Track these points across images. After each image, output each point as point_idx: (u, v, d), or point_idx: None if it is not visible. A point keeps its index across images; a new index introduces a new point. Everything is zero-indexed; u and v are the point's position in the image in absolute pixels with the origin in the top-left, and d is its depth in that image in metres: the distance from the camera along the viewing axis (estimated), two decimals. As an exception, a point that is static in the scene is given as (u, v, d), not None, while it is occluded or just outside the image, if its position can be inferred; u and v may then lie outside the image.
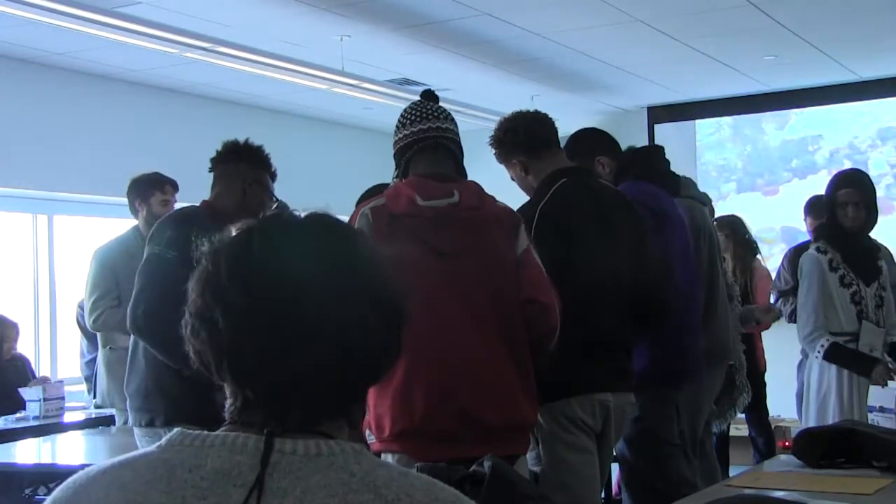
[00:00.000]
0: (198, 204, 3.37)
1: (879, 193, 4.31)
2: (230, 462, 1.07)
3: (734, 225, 5.81)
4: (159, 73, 7.29)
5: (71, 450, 4.55)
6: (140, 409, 3.20)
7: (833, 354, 3.95)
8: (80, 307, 4.98)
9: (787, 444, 5.90)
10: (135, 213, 4.80)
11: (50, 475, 4.12)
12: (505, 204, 2.81)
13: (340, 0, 5.74)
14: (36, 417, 5.00)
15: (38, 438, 4.65)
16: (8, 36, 6.21)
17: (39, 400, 5.04)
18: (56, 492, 1.13)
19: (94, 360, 5.05)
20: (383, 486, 1.06)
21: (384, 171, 3.67)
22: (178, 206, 4.27)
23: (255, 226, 1.16)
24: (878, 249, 4.20)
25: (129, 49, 6.16)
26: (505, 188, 3.26)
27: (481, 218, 2.71)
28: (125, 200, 4.85)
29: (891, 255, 4.62)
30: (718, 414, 4.41)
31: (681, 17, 6.35)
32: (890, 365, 3.93)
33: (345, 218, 2.43)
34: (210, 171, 3.40)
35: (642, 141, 4.96)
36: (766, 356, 5.88)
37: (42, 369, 6.93)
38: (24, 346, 5.86)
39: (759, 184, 9.08)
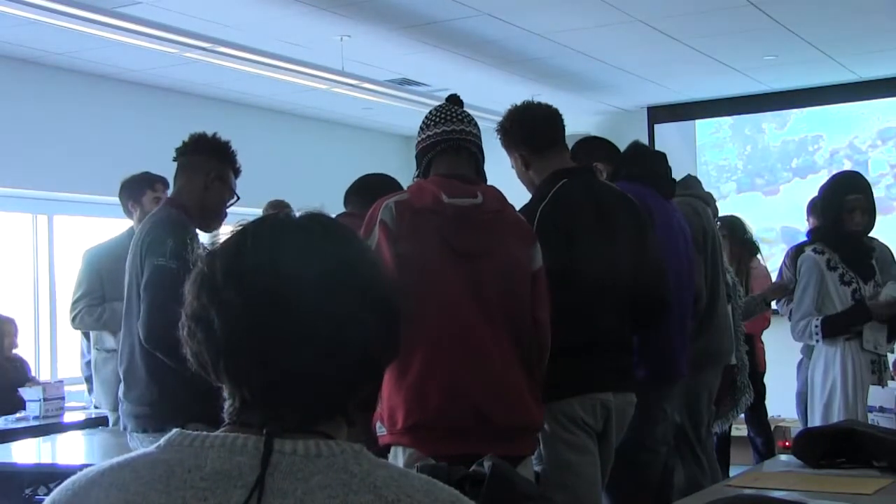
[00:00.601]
0: (167, 205, 3.36)
1: (879, 193, 4.33)
2: (230, 463, 1.07)
3: (733, 225, 5.81)
4: (159, 73, 7.29)
5: (71, 450, 4.55)
6: (145, 417, 3.19)
7: (831, 328, 3.99)
8: (81, 307, 4.98)
9: (787, 444, 5.90)
10: (129, 213, 4.79)
11: (50, 475, 4.12)
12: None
13: (340, 0, 5.74)
14: (36, 417, 5.00)
15: (37, 438, 4.66)
16: (8, 36, 6.21)
17: (39, 400, 5.04)
18: (55, 493, 1.12)
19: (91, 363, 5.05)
20: (383, 486, 1.06)
21: (384, 170, 3.68)
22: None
23: (250, 226, 1.16)
24: (872, 250, 4.22)
25: (129, 49, 6.16)
26: (507, 187, 3.26)
27: (502, 221, 2.75)
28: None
29: (891, 253, 4.62)
30: (720, 414, 4.41)
31: (681, 17, 6.35)
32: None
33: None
34: (174, 161, 3.39)
35: (642, 141, 4.96)
36: (767, 356, 5.88)
37: (42, 369, 6.93)
38: (23, 347, 5.87)
39: (759, 184, 9.08)
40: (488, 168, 2.93)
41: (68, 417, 5.14)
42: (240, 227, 1.16)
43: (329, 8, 5.85)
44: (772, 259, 8.73)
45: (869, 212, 4.07)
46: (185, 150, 3.37)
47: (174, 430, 1.13)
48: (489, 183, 2.87)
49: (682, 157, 3.88)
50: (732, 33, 6.79)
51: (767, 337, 5.90)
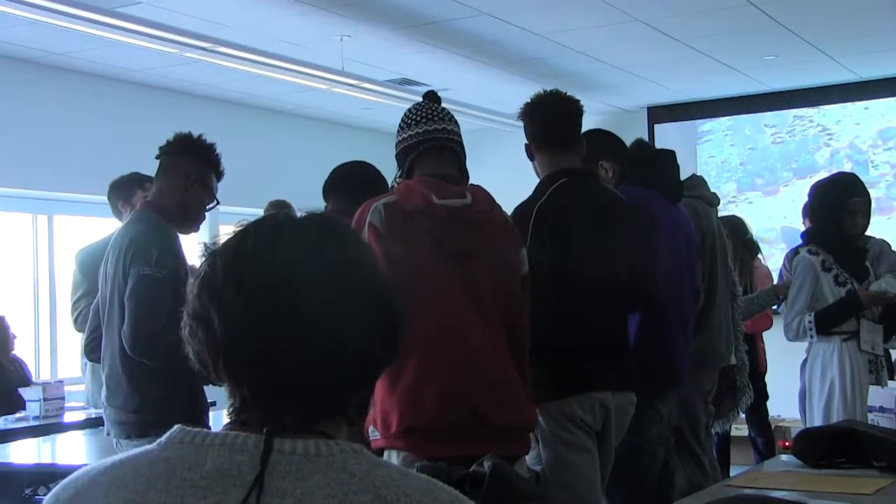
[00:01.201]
0: (146, 209, 3.33)
1: (879, 193, 4.35)
2: (230, 462, 1.08)
3: (734, 225, 5.81)
4: (159, 73, 7.29)
5: (71, 450, 4.54)
6: (128, 423, 3.18)
7: (824, 322, 4.01)
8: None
9: (787, 444, 5.90)
10: (118, 214, 4.76)
11: (50, 475, 4.11)
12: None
13: (340, 0, 5.74)
14: (36, 417, 5.00)
15: (37, 438, 4.65)
16: (8, 36, 6.21)
17: (39, 400, 5.03)
18: (57, 489, 1.13)
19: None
20: (383, 486, 1.06)
21: (384, 171, 3.67)
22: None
23: (250, 226, 1.16)
24: (866, 251, 4.22)
25: (129, 49, 6.16)
26: (505, 188, 3.26)
27: (491, 222, 2.74)
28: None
29: (888, 245, 4.63)
30: (721, 415, 4.41)
31: (681, 17, 6.35)
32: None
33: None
34: (157, 158, 3.37)
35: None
36: (767, 356, 5.88)
37: (42, 369, 6.93)
38: (23, 347, 5.86)
39: (759, 184, 9.08)
40: (483, 172, 2.93)
41: (68, 417, 5.13)
42: (241, 227, 1.17)
43: (329, 8, 5.85)
44: (772, 259, 8.72)
45: (868, 214, 4.09)
46: (168, 149, 3.35)
47: (175, 427, 1.13)
48: (475, 181, 2.86)
49: (682, 157, 3.87)
50: (732, 33, 6.79)
51: (768, 337, 5.89)
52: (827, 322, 4.01)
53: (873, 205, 4.24)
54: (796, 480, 2.57)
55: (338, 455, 1.08)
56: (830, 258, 4.06)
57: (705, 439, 4.06)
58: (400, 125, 2.86)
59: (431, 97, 2.90)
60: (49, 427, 4.88)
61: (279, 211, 1.20)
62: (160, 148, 3.36)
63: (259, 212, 6.16)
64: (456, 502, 1.10)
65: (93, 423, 4.93)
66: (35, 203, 7.15)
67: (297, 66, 6.58)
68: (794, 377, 5.07)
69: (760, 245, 6.13)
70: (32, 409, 5.04)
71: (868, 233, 4.33)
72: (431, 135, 2.78)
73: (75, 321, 4.73)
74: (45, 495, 4.22)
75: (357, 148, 9.25)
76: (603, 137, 3.79)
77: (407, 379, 2.55)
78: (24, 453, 4.36)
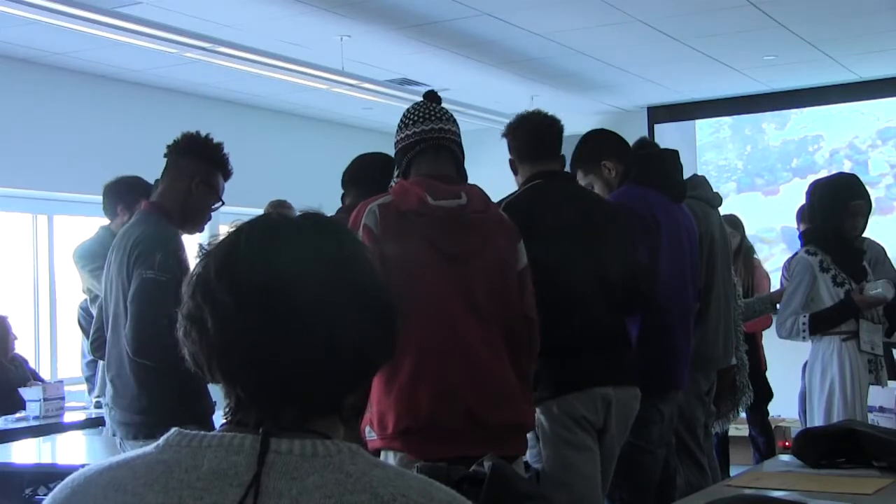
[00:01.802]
0: (149, 210, 3.31)
1: (879, 193, 4.35)
2: (227, 462, 1.08)
3: (736, 223, 5.82)
4: (159, 73, 7.29)
5: (71, 450, 4.55)
6: (135, 424, 3.17)
7: (818, 324, 4.01)
8: (82, 308, 4.97)
9: (787, 444, 5.90)
10: (112, 215, 4.70)
11: (50, 475, 4.12)
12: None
13: (340, 0, 5.74)
14: (36, 417, 5.00)
15: (37, 438, 4.65)
16: (8, 36, 6.21)
17: (39, 400, 5.03)
18: (55, 491, 1.13)
19: (94, 361, 5.04)
20: (379, 486, 1.06)
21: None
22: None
23: (244, 226, 1.16)
24: (864, 252, 4.22)
25: (129, 49, 6.16)
26: (504, 188, 3.26)
27: (487, 222, 2.73)
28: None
29: (884, 251, 4.63)
30: (721, 415, 4.40)
31: (681, 17, 6.35)
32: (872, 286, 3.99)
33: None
34: (164, 157, 3.36)
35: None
36: (767, 356, 5.88)
37: (42, 369, 6.93)
38: (24, 347, 5.86)
39: (759, 184, 9.08)
40: (483, 173, 2.93)
41: (68, 417, 5.13)
42: (235, 227, 1.17)
43: (329, 8, 5.85)
44: (772, 259, 8.74)
45: (867, 216, 4.10)
46: (174, 149, 3.32)
47: (173, 430, 1.13)
48: (475, 181, 2.86)
49: (681, 157, 3.88)
50: (732, 33, 6.79)
51: (768, 336, 5.89)
52: (821, 324, 4.01)
53: (873, 205, 4.24)
54: (796, 480, 2.57)
55: (335, 455, 1.08)
56: (829, 259, 4.06)
57: (704, 440, 4.05)
58: (399, 125, 2.87)
59: (431, 97, 2.90)
60: (49, 427, 4.88)
61: (274, 211, 1.21)
62: (167, 146, 3.33)
63: (259, 212, 6.16)
64: (453, 502, 1.09)
65: (93, 423, 4.93)
66: (35, 203, 7.15)
67: (297, 66, 6.58)
68: (795, 377, 5.08)
69: (760, 245, 6.14)
70: (32, 409, 5.04)
71: (867, 233, 4.33)
72: (428, 134, 2.78)
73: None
74: (45, 495, 4.25)
75: (357, 148, 9.25)
76: (606, 137, 3.79)
77: (402, 380, 2.55)
78: (24, 453, 4.36)
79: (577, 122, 9.10)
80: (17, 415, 5.05)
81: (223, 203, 3.39)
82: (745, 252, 5.93)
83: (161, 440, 1.13)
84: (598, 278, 3.09)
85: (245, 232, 1.15)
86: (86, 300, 4.90)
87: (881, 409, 3.15)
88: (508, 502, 1.90)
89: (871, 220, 4.21)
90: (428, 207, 2.65)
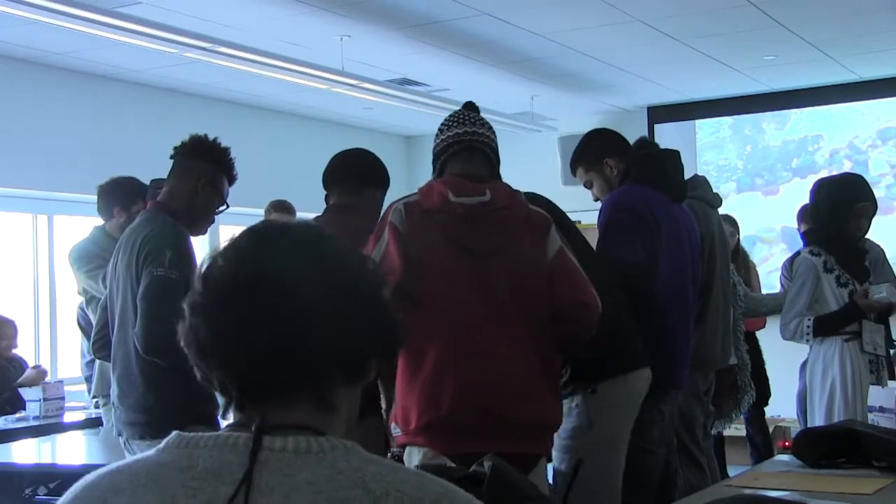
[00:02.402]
0: (157, 209, 3.31)
1: (880, 193, 4.33)
2: (220, 461, 1.10)
3: (734, 223, 5.83)
4: (159, 73, 7.29)
5: (71, 450, 4.55)
6: (141, 424, 3.17)
7: (823, 328, 4.00)
8: (81, 308, 4.96)
9: (787, 444, 5.89)
10: (108, 216, 4.68)
11: (50, 475, 4.12)
12: (535, 206, 2.84)
13: (340, 0, 5.74)
14: (36, 417, 5.00)
15: (37, 438, 4.66)
16: (8, 36, 6.21)
17: (39, 400, 5.04)
18: (61, 499, 1.16)
19: (94, 361, 5.05)
20: (371, 481, 1.07)
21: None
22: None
23: (238, 234, 1.22)
24: (866, 252, 4.21)
25: (129, 49, 6.16)
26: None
27: (511, 218, 2.75)
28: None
29: (883, 253, 4.62)
30: (723, 415, 4.40)
31: (681, 17, 6.35)
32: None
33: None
34: (171, 158, 3.36)
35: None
36: (766, 356, 5.89)
37: (42, 369, 6.93)
38: (24, 347, 5.86)
39: (759, 184, 9.08)
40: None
41: (68, 417, 5.14)
42: (237, 232, 1.23)
43: (329, 8, 5.85)
44: (772, 259, 8.74)
45: (872, 218, 4.10)
46: (181, 150, 3.34)
47: (173, 434, 1.15)
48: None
49: (682, 157, 3.88)
50: (732, 33, 6.79)
51: (767, 336, 5.89)
52: (826, 327, 4.00)
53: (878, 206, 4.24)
54: (796, 480, 2.57)
55: (328, 452, 1.10)
56: (832, 259, 4.05)
57: (703, 440, 4.05)
58: (436, 132, 2.91)
59: (469, 107, 2.95)
60: (49, 427, 4.88)
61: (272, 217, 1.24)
62: (174, 148, 3.35)
63: (259, 211, 6.19)
64: (447, 494, 1.10)
65: (93, 423, 4.94)
66: (35, 203, 7.15)
67: (297, 66, 6.57)
68: (795, 377, 5.08)
69: (760, 245, 6.16)
70: (32, 409, 5.04)
71: (868, 234, 4.33)
72: (462, 137, 2.83)
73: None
74: (45, 495, 4.25)
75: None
76: (608, 136, 3.81)
77: (424, 376, 2.59)
78: (24, 453, 4.36)
79: (577, 122, 9.15)
80: (17, 415, 5.06)
81: (227, 206, 3.40)
82: (742, 252, 5.95)
83: (162, 443, 1.15)
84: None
85: (235, 239, 1.21)
86: (83, 300, 4.90)
87: (881, 409, 3.15)
88: (508, 502, 1.90)
89: (872, 220, 4.21)
90: (449, 204, 2.68)
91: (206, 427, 1.18)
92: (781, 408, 6.67)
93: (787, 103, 8.85)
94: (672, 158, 3.85)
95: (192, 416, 2.87)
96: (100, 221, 4.85)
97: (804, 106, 8.86)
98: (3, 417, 5.02)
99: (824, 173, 5.73)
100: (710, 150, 9.30)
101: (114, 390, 3.30)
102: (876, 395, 3.25)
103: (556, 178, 8.16)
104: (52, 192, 7.04)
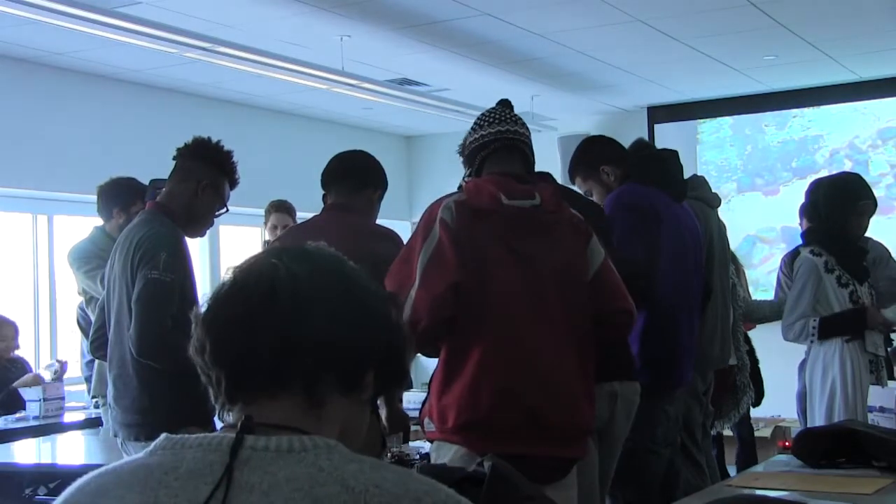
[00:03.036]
0: (155, 210, 3.30)
1: (880, 193, 4.33)
2: (203, 462, 1.12)
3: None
4: (159, 73, 7.29)
5: (71, 450, 4.55)
6: (136, 425, 3.17)
7: (828, 329, 3.97)
8: (81, 308, 4.97)
9: (787, 444, 5.88)
10: (108, 216, 4.69)
11: (50, 475, 4.12)
12: (576, 212, 2.83)
13: (340, 0, 5.74)
14: (36, 417, 5.00)
15: (37, 438, 4.65)
16: (8, 36, 6.21)
17: (39, 400, 5.04)
18: (56, 501, 1.19)
19: (94, 361, 5.05)
20: (351, 478, 1.08)
21: (385, 171, 3.68)
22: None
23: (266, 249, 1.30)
24: (866, 252, 4.21)
25: (129, 49, 6.16)
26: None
27: (558, 221, 2.74)
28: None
29: (887, 251, 4.62)
30: (722, 415, 4.40)
31: (681, 17, 6.35)
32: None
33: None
34: (173, 159, 3.36)
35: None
36: (762, 356, 5.88)
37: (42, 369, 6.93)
38: (24, 347, 5.86)
39: (759, 184, 9.08)
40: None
41: (68, 417, 5.14)
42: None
43: (329, 8, 5.85)
44: (772, 259, 8.74)
45: (871, 216, 4.09)
46: (184, 152, 3.33)
47: (162, 436, 1.18)
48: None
49: (681, 157, 3.90)
50: (732, 33, 6.79)
51: (763, 337, 5.88)
52: (831, 330, 3.98)
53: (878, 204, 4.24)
54: (796, 480, 2.57)
55: (310, 450, 1.11)
56: (833, 259, 4.04)
57: (702, 440, 4.05)
58: (472, 128, 2.88)
59: (504, 104, 2.93)
60: (49, 427, 4.88)
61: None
62: (177, 150, 3.34)
63: (259, 211, 6.17)
64: (431, 492, 1.11)
65: (93, 423, 4.94)
66: (35, 203, 7.15)
67: (297, 66, 6.57)
68: (792, 377, 5.07)
69: (761, 245, 6.16)
70: (32, 409, 5.04)
71: (868, 233, 4.32)
72: (503, 135, 2.80)
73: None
74: (45, 495, 4.25)
75: (357, 148, 9.27)
76: (603, 144, 3.83)
77: (466, 376, 2.57)
78: (24, 453, 4.36)
79: (577, 122, 9.16)
80: (17, 415, 5.06)
81: (227, 210, 3.40)
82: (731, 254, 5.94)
83: (151, 446, 1.18)
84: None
85: (262, 252, 1.28)
86: (83, 301, 4.90)
87: (881, 409, 3.15)
88: (508, 502, 1.90)
89: (872, 220, 4.21)
90: (501, 206, 2.66)
91: (201, 428, 1.19)
92: (781, 408, 6.66)
93: (787, 103, 8.85)
94: (672, 158, 3.86)
95: (187, 418, 2.87)
96: (99, 222, 4.85)
97: (804, 106, 8.85)
98: (3, 417, 5.02)
99: (824, 173, 5.71)
100: (710, 150, 9.30)
101: (110, 391, 3.30)
102: (876, 395, 3.25)
103: (556, 179, 8.15)
104: (52, 192, 7.04)
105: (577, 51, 7.09)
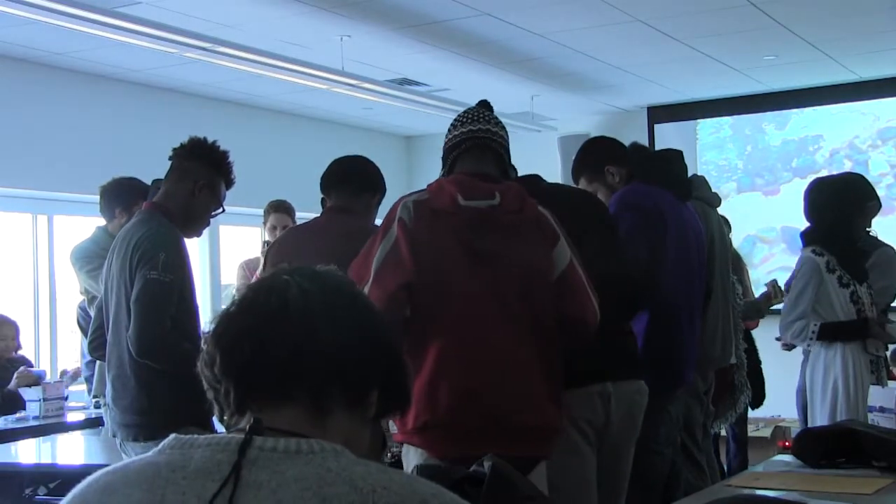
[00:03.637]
0: (152, 210, 3.30)
1: (880, 193, 4.31)
2: (212, 461, 1.13)
3: (728, 224, 5.83)
4: (159, 73, 7.29)
5: (71, 450, 4.55)
6: (135, 426, 3.17)
7: (828, 335, 3.96)
8: (81, 308, 4.97)
9: (787, 444, 5.89)
10: (110, 216, 4.70)
11: (50, 475, 4.12)
12: (547, 211, 2.79)
13: (340, 0, 5.74)
14: (36, 417, 5.00)
15: (37, 438, 4.65)
16: (8, 36, 6.21)
17: (39, 400, 5.04)
18: (64, 500, 1.20)
19: (94, 361, 5.06)
20: (359, 479, 1.10)
21: (384, 171, 3.68)
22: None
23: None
24: (865, 252, 4.21)
25: (129, 49, 6.16)
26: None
27: (521, 222, 2.71)
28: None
29: (893, 252, 4.61)
30: (719, 414, 4.40)
31: (681, 17, 6.35)
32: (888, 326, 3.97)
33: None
34: (169, 160, 3.36)
35: (642, 141, 4.98)
36: (766, 355, 5.88)
37: (42, 369, 6.92)
38: (24, 347, 5.86)
39: (759, 184, 9.08)
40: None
41: (68, 417, 5.14)
42: None
43: (329, 8, 5.85)
44: (772, 259, 8.74)
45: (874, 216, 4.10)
46: (180, 152, 3.33)
47: (171, 436, 1.19)
48: None
49: (681, 157, 3.95)
50: (732, 33, 6.79)
51: (767, 335, 5.89)
52: (831, 335, 3.96)
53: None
54: (796, 480, 2.57)
55: (318, 453, 1.13)
56: (834, 259, 4.03)
57: (703, 439, 4.05)
58: (448, 128, 2.88)
59: (483, 105, 2.91)
60: (49, 427, 4.88)
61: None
62: (173, 150, 3.34)
63: (259, 211, 6.17)
64: (437, 495, 1.12)
65: (93, 423, 4.94)
66: (35, 203, 7.15)
67: (297, 66, 6.57)
68: (794, 377, 5.07)
69: (761, 245, 6.16)
70: (32, 409, 5.04)
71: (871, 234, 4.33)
72: (475, 134, 2.79)
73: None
74: (45, 495, 4.24)
75: (357, 148, 9.24)
76: (607, 144, 3.82)
77: (424, 376, 2.56)
78: (24, 453, 4.36)
79: (577, 122, 9.16)
80: (17, 415, 5.05)
81: (223, 210, 3.40)
82: (735, 253, 5.95)
83: (160, 445, 1.18)
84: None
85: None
86: (84, 300, 4.90)
87: (881, 409, 3.15)
88: (508, 502, 1.90)
89: (873, 220, 4.21)
90: (458, 207, 2.65)
91: (199, 429, 1.20)
92: (781, 408, 6.67)
93: (787, 103, 8.85)
94: (675, 158, 3.87)
95: (186, 418, 2.86)
96: (100, 221, 4.86)
97: (804, 106, 8.85)
98: (3, 417, 5.02)
99: (824, 173, 5.71)
100: (710, 150, 9.30)
101: (108, 391, 3.30)
102: (876, 395, 3.25)
103: (557, 179, 8.15)
104: (52, 192, 7.04)
105: (577, 51, 7.09)
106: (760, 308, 5.46)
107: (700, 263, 3.76)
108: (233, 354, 1.20)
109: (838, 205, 4.03)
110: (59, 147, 6.93)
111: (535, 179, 3.25)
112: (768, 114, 9.02)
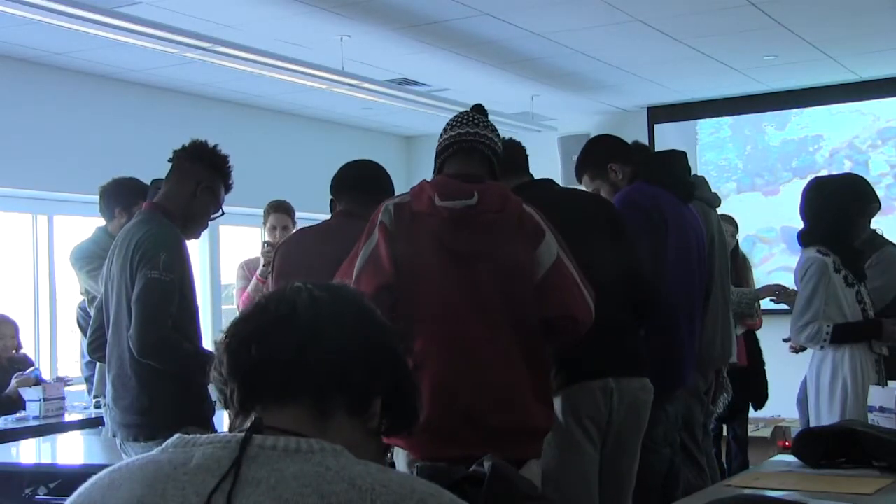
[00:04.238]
0: (153, 210, 3.31)
1: (880, 193, 4.30)
2: (213, 458, 1.15)
3: (734, 223, 5.83)
4: (159, 73, 7.29)
5: (71, 450, 4.55)
6: (136, 426, 3.16)
7: (841, 336, 3.92)
8: (81, 308, 4.97)
9: (787, 444, 5.89)
10: (110, 216, 4.71)
11: (50, 475, 4.12)
12: (534, 210, 2.78)
13: (340, 0, 5.74)
14: (36, 417, 5.00)
15: (38, 438, 4.65)
16: (8, 36, 6.21)
17: (39, 400, 5.04)
18: (71, 497, 1.22)
19: (94, 361, 5.06)
20: (358, 477, 1.12)
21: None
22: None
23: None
24: (864, 253, 4.20)
25: (129, 49, 6.16)
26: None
27: (501, 221, 2.71)
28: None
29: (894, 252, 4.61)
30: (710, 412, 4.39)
31: (681, 17, 6.35)
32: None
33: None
34: (169, 161, 3.36)
35: (642, 141, 5.00)
36: (766, 355, 5.89)
37: (42, 369, 6.92)
38: (24, 346, 5.86)
39: (759, 184, 9.08)
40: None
41: (68, 417, 5.14)
42: None
43: (329, 8, 5.85)
44: (772, 259, 8.74)
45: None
46: (181, 153, 3.34)
47: (175, 435, 1.21)
48: None
49: (681, 157, 3.96)
50: (732, 33, 6.79)
51: (766, 336, 5.89)
52: (844, 337, 3.94)
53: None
54: (796, 480, 2.57)
55: (317, 452, 1.14)
56: (838, 259, 4.01)
57: (703, 439, 4.05)
58: (441, 133, 2.89)
59: (476, 109, 2.93)
60: (49, 427, 4.88)
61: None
62: (174, 151, 3.35)
63: (259, 211, 6.17)
64: (436, 495, 1.13)
65: (93, 423, 4.94)
66: (35, 203, 7.15)
67: (297, 66, 6.57)
68: (794, 377, 5.07)
69: (761, 245, 6.16)
70: (32, 409, 5.04)
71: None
72: (462, 137, 2.81)
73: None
74: (45, 495, 4.24)
75: (357, 148, 9.27)
76: (610, 141, 3.83)
77: None
78: (24, 453, 4.36)
79: (577, 122, 9.16)
80: (17, 415, 5.05)
81: (223, 213, 3.41)
82: (741, 253, 5.95)
83: (165, 444, 1.21)
84: (594, 273, 3.07)
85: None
86: (84, 300, 4.90)
87: (881, 409, 3.14)
88: (508, 502, 1.90)
89: (873, 220, 4.21)
90: (434, 208, 2.66)
91: (200, 428, 1.22)
92: (781, 408, 6.67)
93: (787, 103, 8.85)
94: (678, 158, 3.88)
95: (187, 418, 2.86)
96: (100, 221, 4.86)
97: (804, 106, 8.85)
98: (3, 417, 5.02)
99: (824, 173, 5.71)
100: (710, 150, 9.30)
101: (108, 391, 3.30)
102: (876, 395, 3.24)
103: (557, 179, 8.14)
104: (52, 192, 7.04)
105: (577, 51, 7.09)
106: (757, 297, 5.44)
107: (700, 264, 3.76)
108: (239, 356, 1.23)
109: (839, 204, 4.01)
110: (59, 147, 6.93)
111: (548, 184, 3.27)
112: (768, 114, 9.02)
